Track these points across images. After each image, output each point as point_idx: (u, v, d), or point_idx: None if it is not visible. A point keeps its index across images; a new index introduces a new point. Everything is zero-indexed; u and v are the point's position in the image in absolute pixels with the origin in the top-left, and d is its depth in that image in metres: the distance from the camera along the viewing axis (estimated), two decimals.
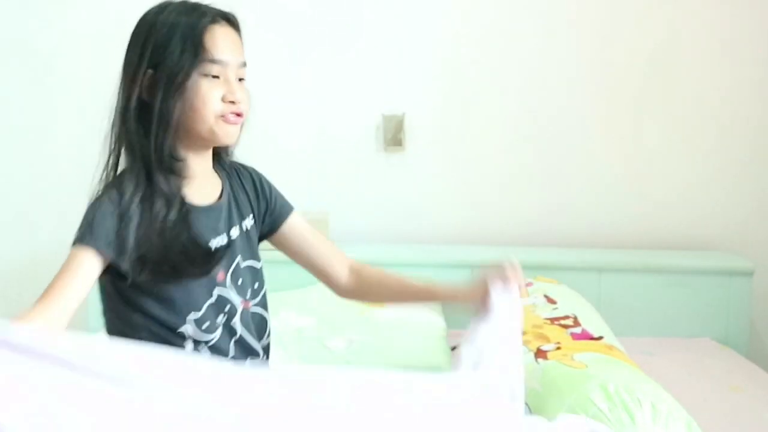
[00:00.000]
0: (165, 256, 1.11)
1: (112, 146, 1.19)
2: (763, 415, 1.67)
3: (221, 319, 1.21)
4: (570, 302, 1.85)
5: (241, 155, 2.55)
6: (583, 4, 2.40)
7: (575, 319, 1.73)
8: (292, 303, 2.13)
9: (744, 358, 2.10)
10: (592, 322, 1.73)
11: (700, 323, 2.27)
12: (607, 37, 2.41)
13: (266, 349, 1.32)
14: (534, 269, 2.25)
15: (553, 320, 1.73)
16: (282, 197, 1.40)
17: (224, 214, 1.26)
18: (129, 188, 1.12)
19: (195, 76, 1.13)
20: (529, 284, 1.98)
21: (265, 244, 1.38)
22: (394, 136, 2.46)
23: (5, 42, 2.50)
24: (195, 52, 1.13)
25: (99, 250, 1.09)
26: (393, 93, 2.47)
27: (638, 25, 2.40)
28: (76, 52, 2.49)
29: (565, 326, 1.69)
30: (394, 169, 2.50)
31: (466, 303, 1.21)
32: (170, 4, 1.18)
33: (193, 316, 1.17)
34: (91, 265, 1.09)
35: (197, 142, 1.19)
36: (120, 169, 1.19)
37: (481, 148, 2.48)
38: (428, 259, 2.32)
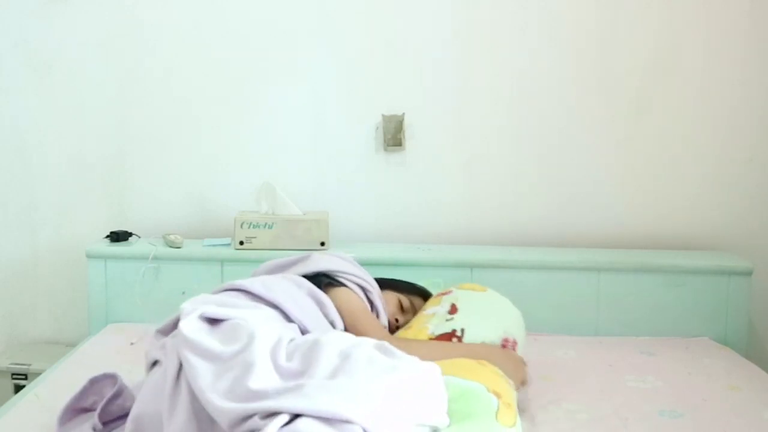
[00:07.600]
0: None
1: None
2: (762, 414, 1.67)
3: None
4: (475, 312, 1.72)
5: (240, 155, 2.56)
6: (584, 4, 2.41)
7: (461, 334, 1.65)
8: None
9: (743, 358, 2.10)
10: (481, 336, 1.65)
11: (699, 323, 2.27)
12: (607, 38, 2.41)
13: None
14: (534, 269, 2.26)
15: (437, 338, 1.65)
16: None
17: None
18: None
19: None
20: (447, 292, 1.86)
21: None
22: (394, 136, 2.46)
23: (5, 42, 2.50)
24: None
25: None
26: (393, 93, 2.47)
27: (638, 26, 2.40)
28: (76, 52, 2.49)
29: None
30: (394, 169, 2.50)
31: None
32: None
33: None
34: None
35: None
36: None
37: (481, 148, 2.48)
38: (428, 259, 2.32)
